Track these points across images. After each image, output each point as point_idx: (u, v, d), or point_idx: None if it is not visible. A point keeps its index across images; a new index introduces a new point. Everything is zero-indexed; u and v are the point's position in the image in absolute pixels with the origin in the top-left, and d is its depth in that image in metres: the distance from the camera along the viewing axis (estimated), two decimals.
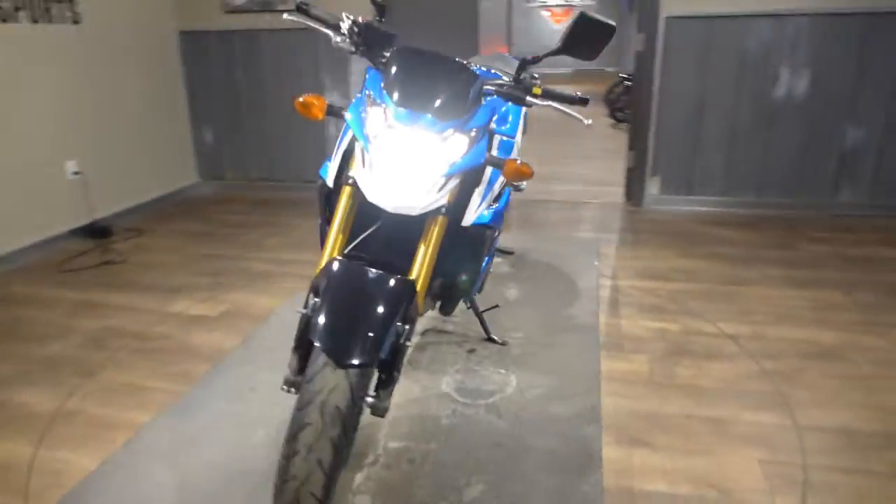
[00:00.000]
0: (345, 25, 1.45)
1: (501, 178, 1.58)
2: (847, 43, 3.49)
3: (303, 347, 1.35)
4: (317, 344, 1.17)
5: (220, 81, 4.40)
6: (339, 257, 1.36)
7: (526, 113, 2.23)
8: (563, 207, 4.21)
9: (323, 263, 1.40)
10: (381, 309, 1.21)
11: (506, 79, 1.56)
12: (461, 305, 1.88)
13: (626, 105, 6.66)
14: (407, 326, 1.28)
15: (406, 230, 1.43)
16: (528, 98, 1.42)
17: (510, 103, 1.55)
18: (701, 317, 2.58)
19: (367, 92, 1.35)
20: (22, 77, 3.27)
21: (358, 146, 1.34)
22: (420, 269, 1.38)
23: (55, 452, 1.83)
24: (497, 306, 2.17)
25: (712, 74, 3.72)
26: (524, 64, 1.45)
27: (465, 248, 1.54)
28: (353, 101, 1.50)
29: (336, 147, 1.58)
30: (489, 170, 1.51)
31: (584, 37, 1.36)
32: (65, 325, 2.62)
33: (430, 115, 1.27)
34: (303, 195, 4.48)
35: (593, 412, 1.80)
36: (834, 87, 3.58)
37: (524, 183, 1.84)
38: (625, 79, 7.17)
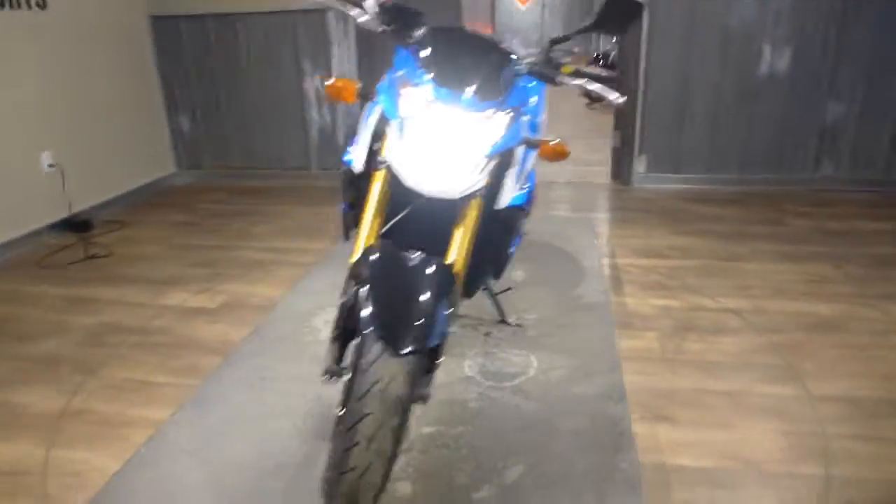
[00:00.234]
0: (370, 4, 1.41)
1: (530, 159, 1.56)
2: (827, 20, 3.57)
3: (345, 336, 1.32)
4: (368, 332, 1.14)
5: (195, 67, 4.26)
6: (378, 243, 1.32)
7: None
8: (553, 188, 4.22)
9: (359, 250, 1.37)
10: (428, 294, 1.19)
11: (530, 57, 1.54)
12: None
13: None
14: (450, 311, 1.26)
15: (436, 212, 1.41)
16: (559, 77, 1.41)
17: (535, 82, 1.53)
18: (701, 292, 2.63)
19: (399, 72, 1.32)
20: None
21: (392, 128, 1.31)
22: (458, 253, 1.36)
23: (70, 453, 1.76)
24: (510, 289, 2.16)
25: (697, 53, 3.76)
26: (553, 42, 1.43)
27: (498, 231, 1.53)
28: (380, 82, 1.46)
29: (360, 130, 1.54)
30: (520, 150, 1.50)
31: (615, 13, 1.35)
32: (57, 321, 2.52)
33: (470, 95, 1.24)
34: (285, 182, 4.39)
35: (618, 390, 1.82)
36: (814, 64, 3.66)
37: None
38: (598, 58, 7.21)
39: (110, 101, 3.87)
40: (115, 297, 2.72)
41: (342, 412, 1.30)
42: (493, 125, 1.28)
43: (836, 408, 1.88)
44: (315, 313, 2.32)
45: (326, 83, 1.33)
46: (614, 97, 1.43)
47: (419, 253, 1.26)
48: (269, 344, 2.11)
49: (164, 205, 4.07)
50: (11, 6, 3.18)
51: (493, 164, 1.33)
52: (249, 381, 1.90)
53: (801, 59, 3.67)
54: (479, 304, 2.33)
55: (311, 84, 4.18)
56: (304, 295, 2.48)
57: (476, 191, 1.33)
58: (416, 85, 1.27)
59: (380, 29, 1.42)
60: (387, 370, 1.11)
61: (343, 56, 4.07)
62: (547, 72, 1.41)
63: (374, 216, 1.37)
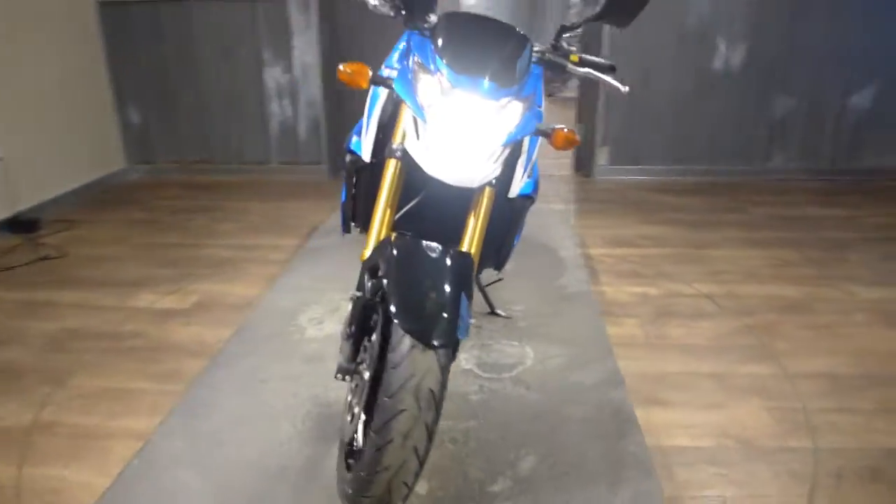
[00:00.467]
0: None
1: (536, 148, 1.56)
2: (779, 17, 3.73)
3: (359, 332, 1.28)
4: (395, 326, 1.11)
5: (148, 57, 4.05)
6: (394, 234, 1.29)
7: None
8: None
9: (372, 242, 1.33)
10: (453, 286, 1.17)
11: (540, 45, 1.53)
12: None
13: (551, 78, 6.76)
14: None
15: (444, 201, 1.39)
16: (569, 66, 1.41)
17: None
18: (676, 279, 2.70)
19: (414, 58, 1.28)
20: None
21: (408, 116, 1.27)
22: (471, 242, 1.34)
23: (45, 470, 1.65)
24: (501, 279, 2.16)
25: (656, 48, 3.86)
26: (563, 30, 1.43)
27: (505, 220, 1.52)
28: (381, 68, 1.42)
29: (366, 119, 1.50)
30: (528, 139, 1.49)
31: (623, 4, 1.36)
32: (13, 328, 2.35)
33: (489, 82, 1.22)
34: (244, 177, 4.25)
35: (615, 376, 1.85)
36: (767, 60, 3.83)
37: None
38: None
39: (54, 92, 3.64)
40: (76, 301, 2.56)
41: (356, 410, 1.27)
42: (510, 114, 1.27)
43: (814, 384, 1.98)
44: (300, 311, 2.26)
45: (339, 68, 1.28)
46: (622, 87, 1.45)
47: (435, 244, 1.24)
48: (257, 344, 2.04)
49: (116, 202, 3.86)
50: None
51: (507, 152, 1.32)
52: (241, 384, 1.83)
53: (754, 55, 3.82)
54: None
55: (272, 75, 4.05)
56: (285, 293, 2.41)
57: (490, 179, 1.32)
58: (432, 72, 1.24)
59: (392, 14, 1.38)
60: (420, 364, 1.08)
61: (305, 47, 3.96)
62: (556, 60, 1.41)
63: (387, 206, 1.34)
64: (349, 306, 1.36)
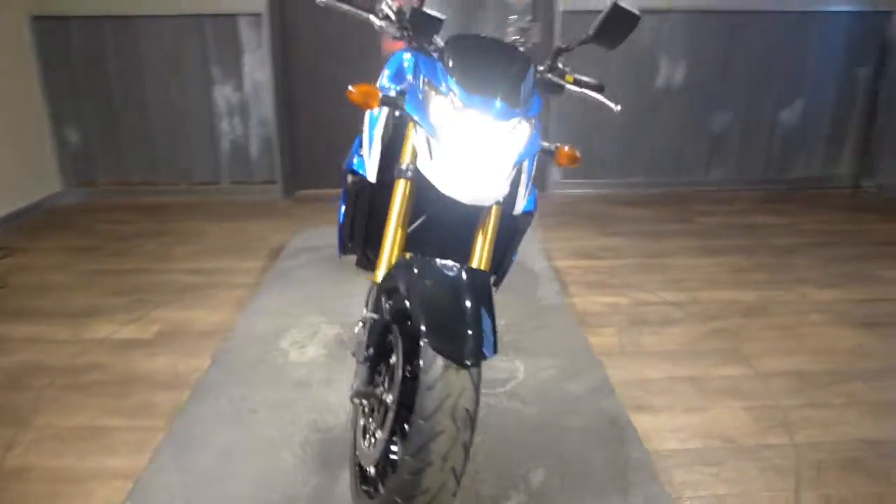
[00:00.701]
0: (387, 9, 1.37)
1: (534, 165, 1.59)
2: (716, 37, 3.97)
3: (378, 355, 1.26)
4: (425, 346, 1.10)
5: (88, 74, 3.84)
6: (408, 254, 1.28)
7: None
8: None
9: (384, 263, 1.32)
10: (473, 302, 1.17)
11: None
12: None
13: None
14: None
15: (449, 220, 1.40)
16: (567, 86, 1.45)
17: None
18: (642, 288, 2.81)
19: (423, 79, 1.29)
20: None
21: (419, 137, 1.27)
22: (481, 259, 1.35)
23: None
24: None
25: (604, 67, 4.01)
26: (559, 52, 1.48)
27: (510, 236, 1.54)
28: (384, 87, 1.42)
29: (369, 139, 1.49)
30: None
31: (615, 26, 1.42)
32: None
33: (500, 103, 1.25)
34: (193, 198, 4.09)
35: (606, 385, 1.90)
36: (705, 77, 4.06)
37: None
38: None
39: None
40: (26, 335, 2.38)
41: (379, 435, 1.24)
42: (520, 133, 1.29)
43: (784, 382, 2.10)
44: (279, 335, 2.19)
45: (349, 89, 1.27)
46: (614, 106, 1.51)
47: (450, 262, 1.24)
48: (239, 372, 1.96)
49: (55, 227, 3.63)
50: None
51: (515, 171, 1.34)
52: (230, 414, 1.75)
53: (694, 73, 4.05)
54: None
55: (222, 92, 3.94)
56: (260, 317, 2.33)
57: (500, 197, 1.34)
58: (444, 93, 1.25)
59: (399, 35, 1.38)
60: (455, 384, 1.08)
61: (256, 65, 3.87)
62: (554, 80, 1.45)
63: (398, 227, 1.33)
64: (356, 328, 1.35)
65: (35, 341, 2.33)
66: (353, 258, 1.87)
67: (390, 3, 1.37)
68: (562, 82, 1.46)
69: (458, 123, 1.23)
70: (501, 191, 1.29)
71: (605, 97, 1.52)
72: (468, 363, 1.09)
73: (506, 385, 1.90)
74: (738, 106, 4.13)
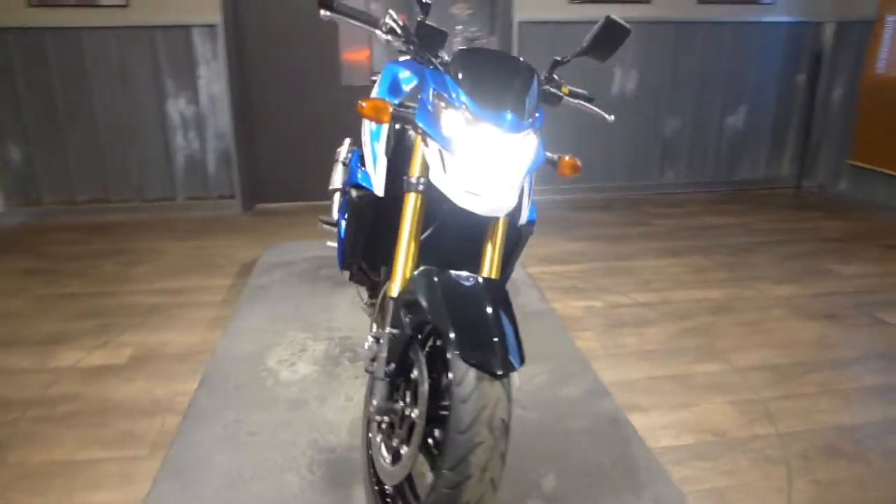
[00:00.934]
0: (392, 23, 1.36)
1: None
2: (664, 47, 4.15)
3: (399, 371, 1.25)
4: (455, 358, 1.09)
5: (29, 88, 3.64)
6: (422, 267, 1.28)
7: None
8: None
9: (398, 277, 1.31)
10: (495, 312, 1.18)
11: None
12: None
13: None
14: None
15: (456, 232, 1.41)
16: (565, 98, 1.49)
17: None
18: (614, 291, 2.89)
19: (432, 91, 1.29)
20: None
21: (430, 150, 1.27)
22: (491, 269, 1.36)
23: None
24: None
25: (563, 74, 4.12)
26: (556, 64, 1.51)
27: (513, 246, 1.55)
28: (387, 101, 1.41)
29: (371, 153, 1.47)
30: None
31: (607, 39, 1.46)
32: None
33: (510, 115, 1.26)
34: (146, 216, 3.93)
35: (599, 386, 1.94)
36: (655, 85, 4.23)
37: None
38: None
39: None
40: None
41: (405, 451, 1.23)
42: (529, 145, 1.31)
43: (759, 375, 2.20)
44: (264, 354, 2.13)
45: (359, 104, 1.26)
46: (607, 116, 1.56)
47: (465, 273, 1.24)
48: (229, 395, 1.89)
49: (1, 250, 3.40)
50: None
51: (523, 181, 1.36)
52: (227, 439, 1.68)
53: (645, 80, 4.21)
54: None
55: (175, 106, 3.80)
56: (241, 336, 2.25)
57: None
58: (456, 106, 1.26)
59: (404, 49, 1.38)
60: (490, 395, 1.08)
61: (212, 77, 3.77)
62: (552, 91, 1.49)
63: (411, 240, 1.33)
64: (367, 344, 1.33)
65: None
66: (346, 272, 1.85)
67: (395, 17, 1.37)
68: (559, 94, 1.50)
69: (472, 136, 1.24)
70: (513, 202, 1.31)
71: (597, 107, 1.57)
72: (499, 373, 1.09)
73: None
74: (687, 112, 4.32)
